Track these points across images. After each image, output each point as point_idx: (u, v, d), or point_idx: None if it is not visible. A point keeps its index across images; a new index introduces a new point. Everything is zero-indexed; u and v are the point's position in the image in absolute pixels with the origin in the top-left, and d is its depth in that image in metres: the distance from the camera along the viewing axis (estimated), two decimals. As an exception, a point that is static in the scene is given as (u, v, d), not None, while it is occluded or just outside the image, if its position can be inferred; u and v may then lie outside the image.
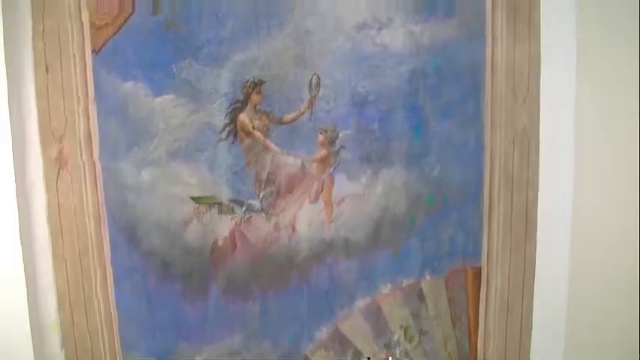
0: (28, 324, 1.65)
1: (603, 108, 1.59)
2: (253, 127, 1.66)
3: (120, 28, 1.61)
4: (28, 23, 1.59)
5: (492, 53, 1.65)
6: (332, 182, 1.72)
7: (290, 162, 1.70)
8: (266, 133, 1.68)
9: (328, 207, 1.73)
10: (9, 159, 1.59)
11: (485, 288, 1.76)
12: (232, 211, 1.71)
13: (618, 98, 1.57)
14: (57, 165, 1.66)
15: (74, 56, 1.62)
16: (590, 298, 1.66)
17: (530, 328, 1.75)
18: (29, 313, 1.65)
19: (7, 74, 1.56)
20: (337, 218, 1.74)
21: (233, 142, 1.68)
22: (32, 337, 1.65)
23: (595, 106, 1.59)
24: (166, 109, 1.64)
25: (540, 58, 1.63)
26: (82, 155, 1.67)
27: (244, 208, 1.71)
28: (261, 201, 1.71)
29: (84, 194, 1.68)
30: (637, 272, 1.60)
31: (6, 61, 1.55)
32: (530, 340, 1.75)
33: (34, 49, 1.60)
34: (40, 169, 1.65)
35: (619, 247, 1.63)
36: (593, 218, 1.64)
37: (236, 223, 1.73)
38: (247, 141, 1.68)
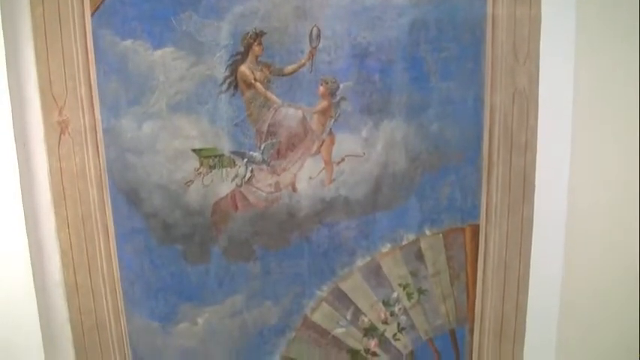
0: (33, 286, 1.66)
1: (601, 75, 1.59)
2: (255, 79, 1.66)
3: (119, -19, 1.60)
4: (26, -12, 1.57)
5: (493, 13, 1.64)
6: (332, 142, 1.73)
7: (291, 113, 1.70)
8: (267, 84, 1.67)
9: (329, 166, 1.74)
10: (9, 125, 1.58)
11: (483, 245, 1.78)
12: (234, 164, 1.72)
13: (617, 65, 1.56)
14: (58, 130, 1.66)
15: (74, 21, 1.61)
16: (586, 258, 1.68)
17: (527, 285, 1.77)
18: (33, 275, 1.66)
19: (4, 40, 1.54)
20: (337, 177, 1.75)
21: (234, 95, 1.67)
22: (37, 299, 1.67)
23: (593, 73, 1.59)
24: (166, 62, 1.62)
25: (541, 21, 1.63)
26: (83, 119, 1.66)
27: (245, 160, 1.71)
28: (262, 152, 1.71)
29: (86, 158, 1.68)
30: (636, 236, 1.61)
31: (3, 28, 1.53)
32: (526, 298, 1.78)
33: (33, 15, 1.58)
34: (42, 134, 1.65)
35: (616, 211, 1.64)
36: (590, 181, 1.66)
37: (237, 184, 1.74)
38: (248, 93, 1.68)
